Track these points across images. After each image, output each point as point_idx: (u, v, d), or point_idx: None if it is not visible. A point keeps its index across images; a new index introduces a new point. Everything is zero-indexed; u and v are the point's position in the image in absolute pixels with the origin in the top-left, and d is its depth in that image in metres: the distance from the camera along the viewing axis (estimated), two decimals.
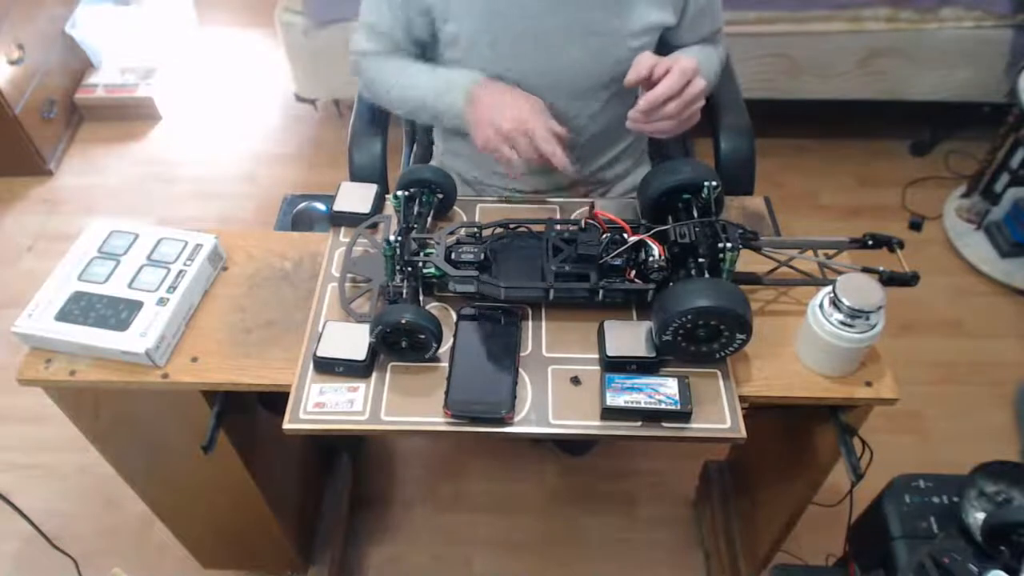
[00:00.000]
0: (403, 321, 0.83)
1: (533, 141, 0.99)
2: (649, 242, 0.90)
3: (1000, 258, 2.04)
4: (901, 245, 0.95)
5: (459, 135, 1.21)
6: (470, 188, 1.29)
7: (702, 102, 0.98)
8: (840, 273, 0.89)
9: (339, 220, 1.05)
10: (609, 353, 0.87)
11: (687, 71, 0.93)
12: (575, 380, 0.88)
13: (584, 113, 1.14)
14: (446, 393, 0.85)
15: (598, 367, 0.89)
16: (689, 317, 0.81)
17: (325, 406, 0.86)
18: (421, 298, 0.93)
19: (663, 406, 0.83)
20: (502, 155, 1.01)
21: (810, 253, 1.01)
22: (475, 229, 0.98)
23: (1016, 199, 2.05)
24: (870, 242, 0.96)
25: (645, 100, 0.94)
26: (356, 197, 1.06)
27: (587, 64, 1.07)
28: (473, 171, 1.27)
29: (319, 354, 0.88)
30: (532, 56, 1.06)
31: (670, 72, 0.93)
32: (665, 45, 1.14)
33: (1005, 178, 1.99)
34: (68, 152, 2.45)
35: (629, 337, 0.89)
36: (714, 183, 0.92)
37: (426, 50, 1.15)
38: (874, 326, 0.83)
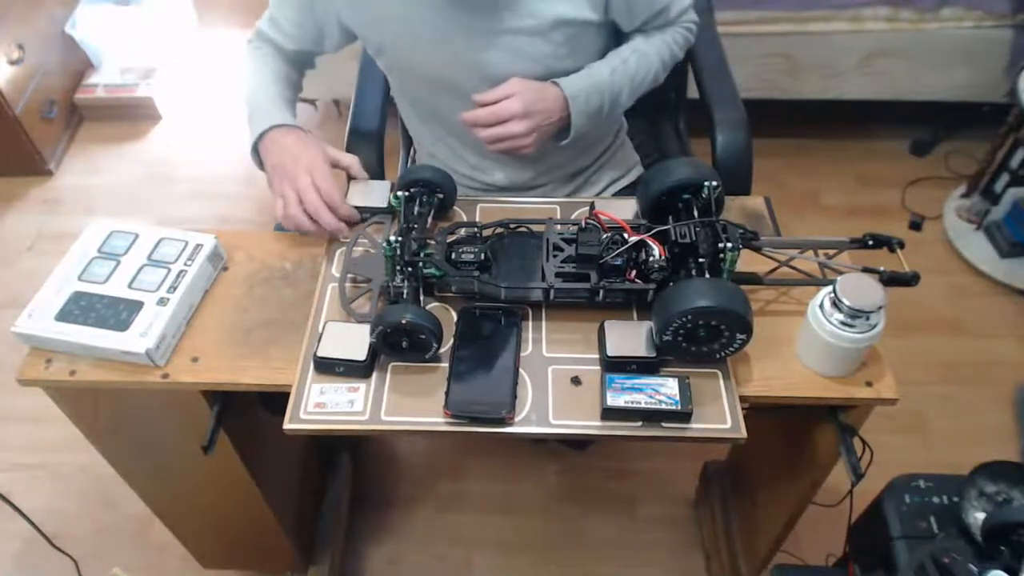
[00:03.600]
0: (404, 321, 0.83)
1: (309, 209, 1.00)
2: (649, 242, 0.90)
3: (1000, 258, 2.04)
4: (901, 245, 0.95)
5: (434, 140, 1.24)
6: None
7: (519, 135, 1.02)
8: (840, 273, 0.89)
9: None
10: (609, 353, 0.87)
11: (500, 113, 1.00)
12: (575, 380, 0.88)
13: None
14: (446, 393, 0.85)
15: (598, 367, 0.89)
16: (689, 317, 0.81)
17: (325, 406, 0.86)
18: (421, 298, 0.93)
19: (663, 406, 0.83)
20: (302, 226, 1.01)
21: (810, 253, 1.01)
22: (475, 229, 0.98)
23: (1016, 199, 2.05)
24: (870, 242, 0.96)
25: (467, 115, 1.02)
26: (368, 193, 1.06)
27: (509, 64, 1.05)
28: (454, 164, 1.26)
29: (319, 354, 0.88)
30: (453, 60, 1.06)
31: (489, 109, 1.01)
32: (615, 36, 1.13)
33: (1005, 178, 1.99)
34: (68, 152, 2.45)
35: (629, 337, 0.89)
36: (714, 183, 0.92)
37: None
38: (874, 326, 0.83)
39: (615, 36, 1.13)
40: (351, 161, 1.08)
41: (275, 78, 1.13)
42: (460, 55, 1.05)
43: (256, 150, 1.07)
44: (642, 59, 1.10)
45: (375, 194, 1.06)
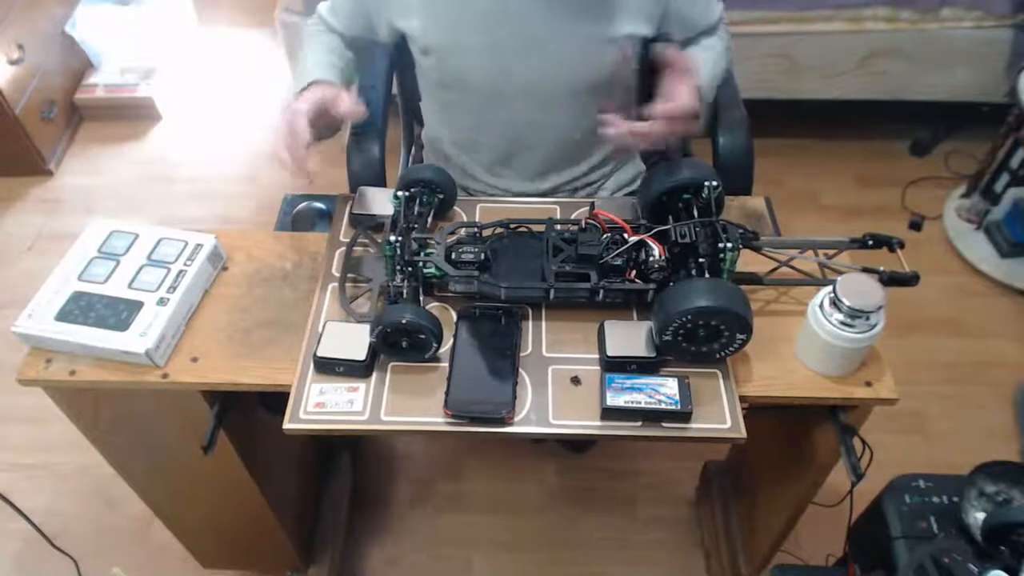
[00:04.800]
0: (404, 321, 0.83)
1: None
2: (649, 242, 0.90)
3: (1000, 258, 2.04)
4: (901, 245, 0.95)
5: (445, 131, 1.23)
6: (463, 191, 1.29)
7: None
8: (840, 273, 0.89)
9: (362, 221, 1.05)
10: (609, 353, 0.87)
11: (688, 108, 0.94)
12: (575, 380, 0.88)
13: (563, 122, 1.13)
14: (446, 393, 0.85)
15: (598, 367, 0.89)
16: (689, 317, 0.81)
17: (325, 406, 0.86)
18: (421, 298, 0.93)
19: (663, 406, 0.83)
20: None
21: (810, 253, 1.01)
22: (475, 229, 0.98)
23: (1016, 199, 2.05)
24: (870, 242, 0.96)
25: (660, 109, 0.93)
26: (375, 200, 1.06)
27: (558, 75, 1.06)
28: (465, 180, 1.26)
29: (319, 354, 0.88)
30: (499, 67, 1.06)
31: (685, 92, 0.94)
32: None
33: (1005, 178, 1.99)
34: (68, 152, 2.45)
35: (629, 337, 0.89)
36: (714, 183, 0.92)
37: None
38: (874, 326, 0.83)
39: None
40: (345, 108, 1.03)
41: (327, 50, 1.13)
42: (519, 58, 1.05)
43: None
44: (719, 59, 1.13)
45: (382, 202, 1.06)
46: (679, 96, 0.94)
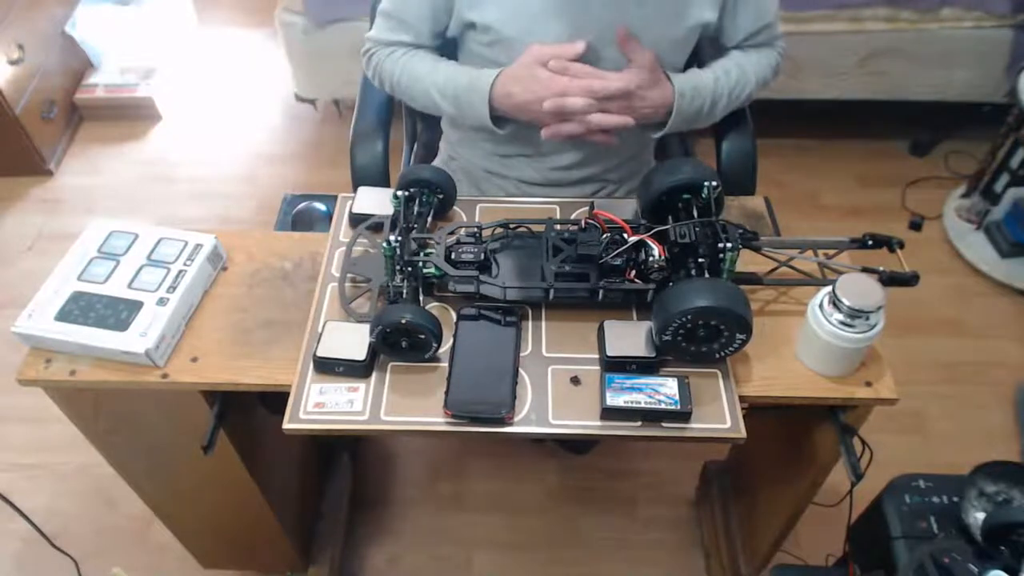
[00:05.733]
0: (403, 321, 0.83)
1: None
2: (649, 242, 0.90)
3: (1000, 258, 2.04)
4: (901, 245, 0.95)
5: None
6: (481, 184, 1.27)
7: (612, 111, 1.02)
8: (840, 273, 0.89)
9: (362, 221, 1.05)
10: (609, 353, 0.87)
11: (607, 79, 1.00)
12: (575, 380, 0.88)
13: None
14: (446, 393, 0.85)
15: (598, 367, 0.89)
16: (689, 317, 0.81)
17: (325, 406, 0.86)
18: (421, 298, 0.93)
19: (663, 406, 0.83)
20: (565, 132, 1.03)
21: (810, 253, 1.01)
22: (475, 229, 0.98)
23: (1016, 199, 2.05)
24: (870, 242, 0.96)
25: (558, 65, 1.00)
26: (376, 200, 1.06)
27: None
28: (485, 161, 1.24)
29: (319, 354, 0.88)
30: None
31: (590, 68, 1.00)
32: (713, 46, 1.15)
33: (1005, 178, 1.99)
34: (68, 152, 2.45)
35: (629, 337, 0.89)
36: (714, 183, 0.92)
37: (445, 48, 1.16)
38: (874, 326, 0.83)
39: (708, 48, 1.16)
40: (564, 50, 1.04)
41: (436, 59, 1.12)
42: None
43: (496, 118, 1.08)
44: (742, 75, 1.12)
45: (382, 202, 1.05)
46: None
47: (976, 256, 2.06)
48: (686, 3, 1.05)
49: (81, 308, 0.92)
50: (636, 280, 0.91)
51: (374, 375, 0.89)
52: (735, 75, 1.12)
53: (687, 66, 1.14)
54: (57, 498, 1.66)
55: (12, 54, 2.18)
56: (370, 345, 0.87)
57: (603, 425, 0.85)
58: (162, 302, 0.92)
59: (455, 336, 0.91)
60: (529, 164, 1.21)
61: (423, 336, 0.86)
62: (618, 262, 0.90)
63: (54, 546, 1.42)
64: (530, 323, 0.94)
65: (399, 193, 0.99)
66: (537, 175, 1.22)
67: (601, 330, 0.90)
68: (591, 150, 1.17)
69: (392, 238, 0.90)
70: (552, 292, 0.91)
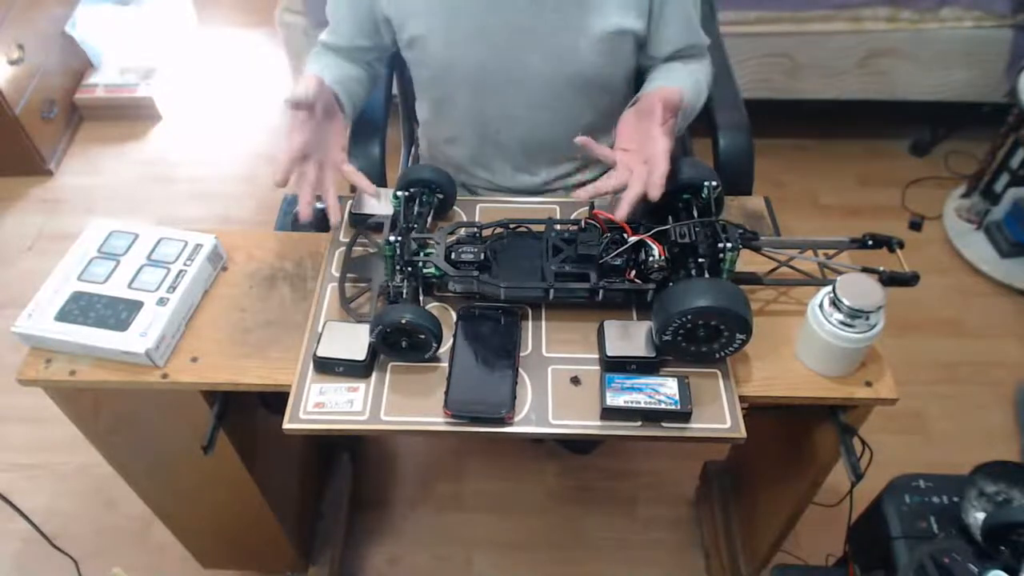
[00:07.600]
0: (403, 321, 0.83)
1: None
2: (649, 242, 0.90)
3: (1000, 258, 2.04)
4: (901, 245, 0.95)
5: (442, 141, 1.24)
6: (463, 189, 1.29)
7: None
8: (840, 273, 0.89)
9: (361, 221, 1.05)
10: (609, 353, 0.87)
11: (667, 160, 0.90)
12: (575, 380, 0.88)
13: (545, 119, 1.13)
14: (446, 393, 0.85)
15: (598, 367, 0.89)
16: (689, 317, 0.81)
17: (325, 406, 0.86)
18: (421, 298, 0.93)
19: (663, 406, 0.83)
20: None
21: (810, 253, 1.01)
22: (475, 229, 0.98)
23: (1016, 199, 2.05)
24: (870, 242, 0.96)
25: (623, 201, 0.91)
26: (376, 200, 1.06)
27: (543, 68, 1.06)
28: (459, 175, 1.26)
29: (319, 354, 0.88)
30: (486, 57, 1.06)
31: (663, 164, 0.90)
32: (641, 65, 1.13)
33: (1005, 178, 1.99)
34: (68, 152, 2.45)
35: (629, 337, 0.89)
36: (714, 183, 0.93)
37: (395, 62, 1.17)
38: (874, 326, 0.83)
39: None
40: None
41: (326, 69, 1.12)
42: (498, 53, 1.05)
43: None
44: (696, 84, 1.10)
45: (382, 202, 1.06)
46: (655, 158, 0.90)
47: (976, 256, 2.06)
48: (599, 8, 1.02)
49: (81, 308, 0.92)
50: (636, 280, 0.91)
51: (374, 375, 0.89)
52: (691, 84, 1.09)
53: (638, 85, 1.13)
54: (57, 498, 1.66)
55: (12, 54, 2.18)
56: (370, 345, 0.87)
57: (603, 425, 0.85)
58: (162, 302, 0.92)
59: (455, 336, 0.91)
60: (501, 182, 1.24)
61: (423, 336, 0.86)
62: (618, 262, 0.90)
63: (54, 546, 1.41)
64: (530, 323, 0.94)
65: (399, 193, 0.99)
66: (514, 184, 1.24)
67: (601, 330, 0.90)
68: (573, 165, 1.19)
69: (392, 238, 0.90)
70: (552, 292, 0.91)
